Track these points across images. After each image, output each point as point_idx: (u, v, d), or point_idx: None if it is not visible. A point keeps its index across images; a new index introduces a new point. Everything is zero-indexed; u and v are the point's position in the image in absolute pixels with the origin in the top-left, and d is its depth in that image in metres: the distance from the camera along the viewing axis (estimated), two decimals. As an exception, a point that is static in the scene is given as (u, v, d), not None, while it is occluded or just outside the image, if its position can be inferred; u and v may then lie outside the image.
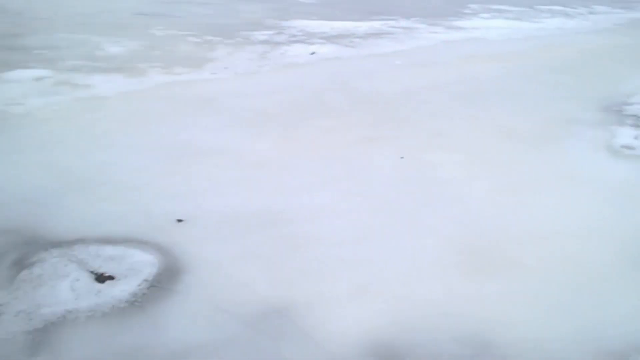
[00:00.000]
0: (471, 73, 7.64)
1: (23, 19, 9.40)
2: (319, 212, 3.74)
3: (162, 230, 3.38)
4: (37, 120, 5.11)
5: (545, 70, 8.08)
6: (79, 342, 2.43)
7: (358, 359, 2.44)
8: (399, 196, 4.02)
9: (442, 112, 5.98)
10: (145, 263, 3.03)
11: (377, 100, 6.22)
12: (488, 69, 7.95)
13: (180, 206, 3.67)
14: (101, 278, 2.88)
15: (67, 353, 2.36)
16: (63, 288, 2.78)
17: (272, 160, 4.50)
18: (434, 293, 2.97)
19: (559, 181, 4.42)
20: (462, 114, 5.94)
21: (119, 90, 6.06)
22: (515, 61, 8.52)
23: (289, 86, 6.56)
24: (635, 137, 5.44)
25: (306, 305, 2.78)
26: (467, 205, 3.93)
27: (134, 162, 4.31)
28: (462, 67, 7.96)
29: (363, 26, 9.95)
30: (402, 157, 4.68)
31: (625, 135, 5.49)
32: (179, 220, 3.52)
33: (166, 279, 2.92)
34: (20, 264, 2.95)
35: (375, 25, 10.10)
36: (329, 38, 8.98)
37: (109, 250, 3.14)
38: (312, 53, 7.98)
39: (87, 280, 2.85)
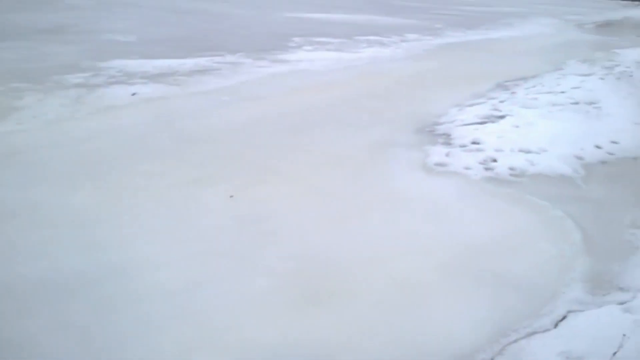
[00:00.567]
0: (298, 105, 7.82)
1: None
2: (144, 265, 3.47)
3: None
4: None
5: (365, 97, 8.54)
6: None
7: None
8: (229, 237, 3.90)
9: (271, 146, 5.98)
10: None
11: (204, 139, 6.06)
12: (313, 99, 8.20)
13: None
14: None
15: None
16: None
17: (90, 214, 4.13)
18: (266, 336, 2.87)
19: (381, 204, 4.61)
20: (290, 146, 6.00)
21: None
22: (338, 90, 8.91)
23: (108, 131, 6.14)
24: (447, 155, 5.90)
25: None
26: (298, 238, 3.93)
27: None
28: (289, 100, 8.12)
29: (188, 63, 9.76)
30: (231, 196, 4.57)
31: (437, 153, 5.93)
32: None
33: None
34: None
35: (201, 62, 9.96)
36: (152, 77, 8.64)
37: None
38: (133, 94, 7.61)
39: None
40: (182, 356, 2.72)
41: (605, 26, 31.67)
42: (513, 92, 9.17)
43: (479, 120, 7.23)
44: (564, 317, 3.15)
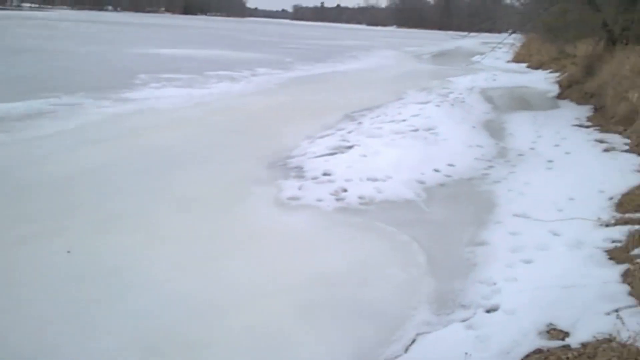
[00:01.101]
0: (144, 146, 7.50)
1: None
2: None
3: None
4: None
5: (216, 134, 8.45)
6: None
7: None
8: (68, 299, 3.55)
9: (117, 192, 5.64)
10: None
11: (40, 189, 5.54)
12: (163, 139, 7.92)
13: None
14: None
15: None
16: None
17: None
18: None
19: (236, 244, 4.52)
20: (140, 190, 5.70)
21: None
22: (187, 129, 8.71)
23: None
24: (299, 188, 5.97)
25: None
26: (149, 291, 3.69)
27: None
28: (134, 141, 7.76)
29: (20, 107, 8.96)
30: (69, 252, 4.19)
31: (290, 187, 5.98)
32: None
33: None
34: None
35: (35, 104, 9.19)
36: (-25, 124, 7.81)
37: None
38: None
39: None
40: None
41: (440, 56, 34.73)
42: (360, 123, 9.61)
43: (329, 152, 7.44)
44: (413, 341, 3.26)
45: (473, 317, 3.46)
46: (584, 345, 2.91)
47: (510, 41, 15.11)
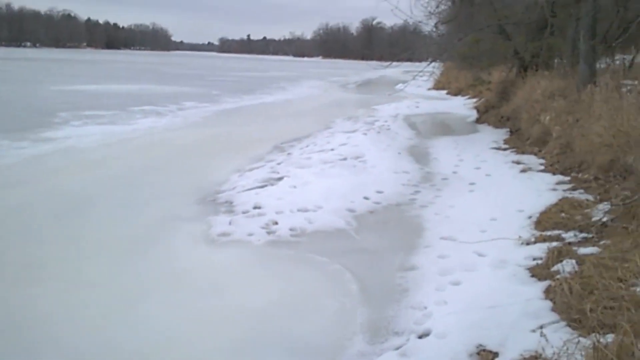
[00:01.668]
0: (67, 187, 7.19)
1: None
2: None
3: None
4: None
5: (142, 171, 8.23)
6: None
7: None
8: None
9: (37, 237, 5.37)
10: None
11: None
12: (84, 179, 7.62)
13: None
14: None
15: None
16: None
17: None
18: None
19: (164, 286, 4.37)
20: (60, 235, 5.44)
21: None
22: (111, 167, 8.45)
23: None
24: (230, 223, 5.89)
25: None
26: (71, 342, 3.50)
27: None
28: (57, 182, 7.43)
29: None
30: (-18, 306, 3.92)
31: (220, 223, 5.89)
32: None
33: None
34: None
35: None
36: None
37: None
38: None
39: None
40: None
41: (365, 85, 35.69)
42: (289, 153, 9.66)
43: (259, 184, 7.41)
44: (348, 373, 3.25)
45: (406, 343, 3.49)
46: (513, 364, 3.00)
47: (430, 69, 15.70)
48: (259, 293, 4.28)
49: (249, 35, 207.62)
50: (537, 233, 5.20)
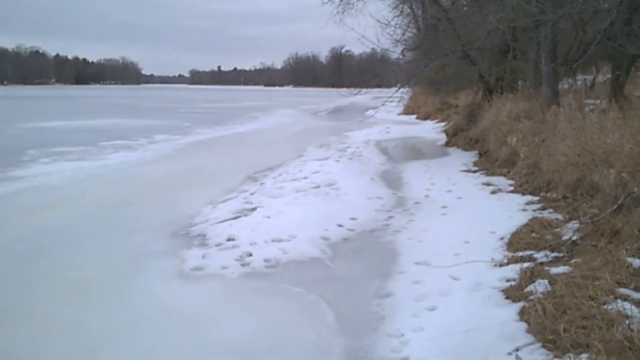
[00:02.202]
0: (35, 226, 7.03)
1: None
2: None
3: None
4: None
5: (113, 207, 8.10)
6: None
7: None
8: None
9: (1, 279, 5.21)
10: None
11: None
12: (52, 218, 7.46)
13: None
14: None
15: None
16: None
17: None
18: None
19: (136, 325, 4.27)
20: (26, 277, 5.29)
21: None
22: (81, 203, 8.31)
23: None
24: (203, 257, 5.81)
25: None
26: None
27: None
28: (24, 221, 7.26)
29: None
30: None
31: (193, 257, 5.81)
32: None
33: None
34: None
35: None
36: None
37: None
38: None
39: None
40: None
41: (336, 112, 36.04)
42: (262, 183, 9.63)
43: (233, 216, 7.36)
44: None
45: (385, 373, 3.46)
46: (490, 388, 2.99)
47: (399, 95, 15.96)
48: (234, 327, 4.22)
49: (219, 67, 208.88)
50: (510, 254, 5.26)
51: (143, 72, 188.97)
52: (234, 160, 13.01)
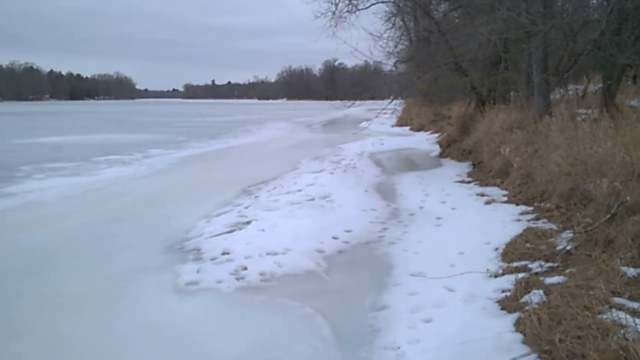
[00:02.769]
0: (29, 242, 7.00)
1: None
2: None
3: None
4: None
5: (107, 222, 8.06)
6: None
7: None
8: None
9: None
10: None
11: None
12: (47, 233, 7.43)
13: None
14: None
15: None
16: None
17: None
18: None
19: (131, 340, 4.24)
20: (21, 293, 5.26)
21: None
22: (75, 219, 8.27)
23: None
24: (198, 271, 5.79)
25: None
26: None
27: None
28: (18, 238, 7.23)
29: None
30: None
31: (188, 271, 5.78)
32: None
33: None
34: None
35: None
36: None
37: None
38: None
39: None
40: None
41: (330, 125, 36.12)
42: (256, 197, 9.62)
43: (227, 229, 7.34)
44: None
45: (381, 386, 3.45)
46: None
47: (392, 107, 16.04)
48: (230, 342, 4.19)
49: (213, 81, 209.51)
50: (505, 265, 5.26)
51: (137, 87, 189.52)
52: (229, 174, 13.00)
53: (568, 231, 5.79)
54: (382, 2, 16.22)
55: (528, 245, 5.68)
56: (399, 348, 3.91)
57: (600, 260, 4.52)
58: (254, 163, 15.24)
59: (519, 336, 3.66)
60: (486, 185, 9.77)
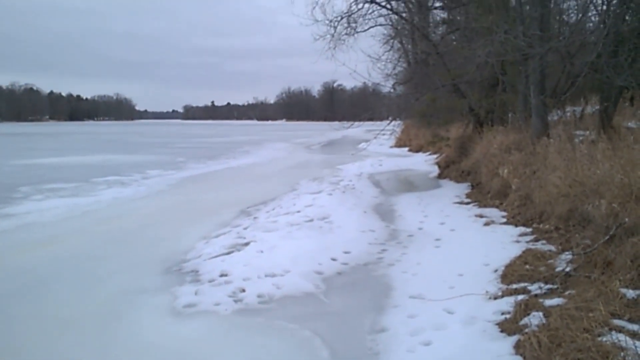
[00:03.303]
0: (27, 264, 6.96)
1: None
2: None
3: None
4: None
5: (105, 243, 8.05)
6: None
7: None
8: None
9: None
10: None
11: None
12: (45, 255, 7.40)
13: None
14: None
15: None
16: None
17: None
18: None
19: (128, 364, 4.21)
20: (17, 315, 5.22)
21: None
22: (74, 240, 8.25)
23: None
24: (195, 293, 5.76)
25: None
26: None
27: None
28: (16, 259, 7.20)
29: None
30: None
31: (186, 293, 5.75)
32: None
33: None
34: None
35: None
36: None
37: None
38: None
39: None
40: None
41: (328, 146, 36.22)
42: (255, 218, 9.61)
43: (226, 251, 7.32)
44: None
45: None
46: None
47: (391, 128, 16.12)
48: (226, 366, 4.15)
49: (212, 102, 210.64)
50: (504, 287, 5.24)
51: (137, 108, 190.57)
52: (228, 195, 13.00)
53: (567, 253, 5.79)
54: (380, 25, 16.44)
55: (527, 266, 5.67)
56: (398, 371, 3.88)
57: (600, 282, 4.51)
58: (253, 184, 15.24)
59: (519, 359, 3.64)
60: (485, 206, 9.77)
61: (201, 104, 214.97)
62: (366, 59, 15.03)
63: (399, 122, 18.67)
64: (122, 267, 6.81)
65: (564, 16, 12.76)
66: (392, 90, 16.71)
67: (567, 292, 4.63)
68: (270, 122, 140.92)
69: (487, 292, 5.09)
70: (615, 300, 4.05)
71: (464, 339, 4.20)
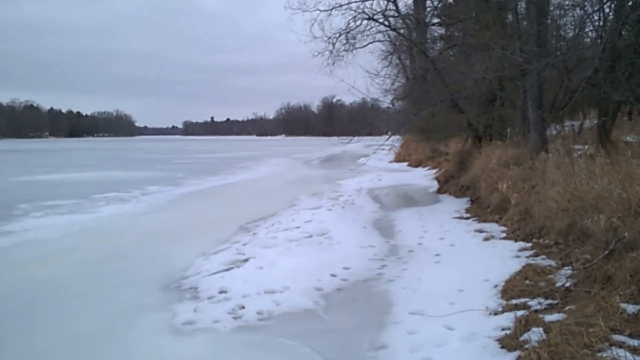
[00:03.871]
0: (23, 282, 6.94)
1: None
2: None
3: None
4: None
5: (104, 260, 8.02)
6: None
7: None
8: None
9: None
10: None
11: None
12: (43, 272, 7.38)
13: None
14: None
15: None
16: None
17: None
18: None
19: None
20: (10, 334, 5.18)
21: None
22: (72, 257, 8.23)
23: None
24: (194, 310, 5.73)
25: None
26: None
27: None
28: (14, 276, 7.17)
29: None
30: None
31: (185, 311, 5.72)
32: None
33: None
34: None
35: None
36: None
37: None
38: None
39: None
40: None
41: (328, 161, 36.27)
42: (254, 234, 9.60)
43: (225, 267, 7.29)
44: None
45: None
46: None
47: (390, 143, 16.17)
48: (226, 384, 4.12)
49: (212, 118, 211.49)
50: (504, 302, 5.22)
51: (137, 124, 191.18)
52: (227, 211, 13.00)
53: (567, 268, 5.77)
54: (378, 42, 16.57)
55: (527, 282, 5.65)
56: (398, 389, 3.85)
57: (600, 297, 4.50)
58: (252, 200, 15.24)
59: (520, 376, 3.62)
60: (484, 221, 9.77)
61: (201, 120, 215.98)
62: (365, 75, 15.14)
63: (398, 137, 18.73)
64: (121, 284, 6.78)
65: (561, 32, 12.86)
66: (390, 105, 16.81)
67: (567, 308, 4.61)
68: (269, 137, 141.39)
69: (487, 307, 5.08)
70: (616, 315, 4.03)
71: (464, 355, 4.18)
